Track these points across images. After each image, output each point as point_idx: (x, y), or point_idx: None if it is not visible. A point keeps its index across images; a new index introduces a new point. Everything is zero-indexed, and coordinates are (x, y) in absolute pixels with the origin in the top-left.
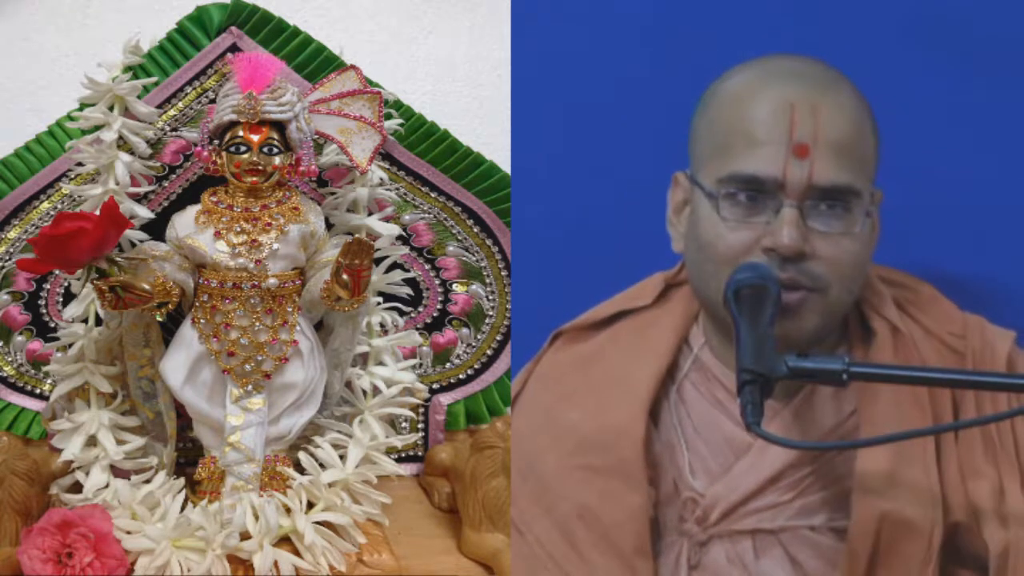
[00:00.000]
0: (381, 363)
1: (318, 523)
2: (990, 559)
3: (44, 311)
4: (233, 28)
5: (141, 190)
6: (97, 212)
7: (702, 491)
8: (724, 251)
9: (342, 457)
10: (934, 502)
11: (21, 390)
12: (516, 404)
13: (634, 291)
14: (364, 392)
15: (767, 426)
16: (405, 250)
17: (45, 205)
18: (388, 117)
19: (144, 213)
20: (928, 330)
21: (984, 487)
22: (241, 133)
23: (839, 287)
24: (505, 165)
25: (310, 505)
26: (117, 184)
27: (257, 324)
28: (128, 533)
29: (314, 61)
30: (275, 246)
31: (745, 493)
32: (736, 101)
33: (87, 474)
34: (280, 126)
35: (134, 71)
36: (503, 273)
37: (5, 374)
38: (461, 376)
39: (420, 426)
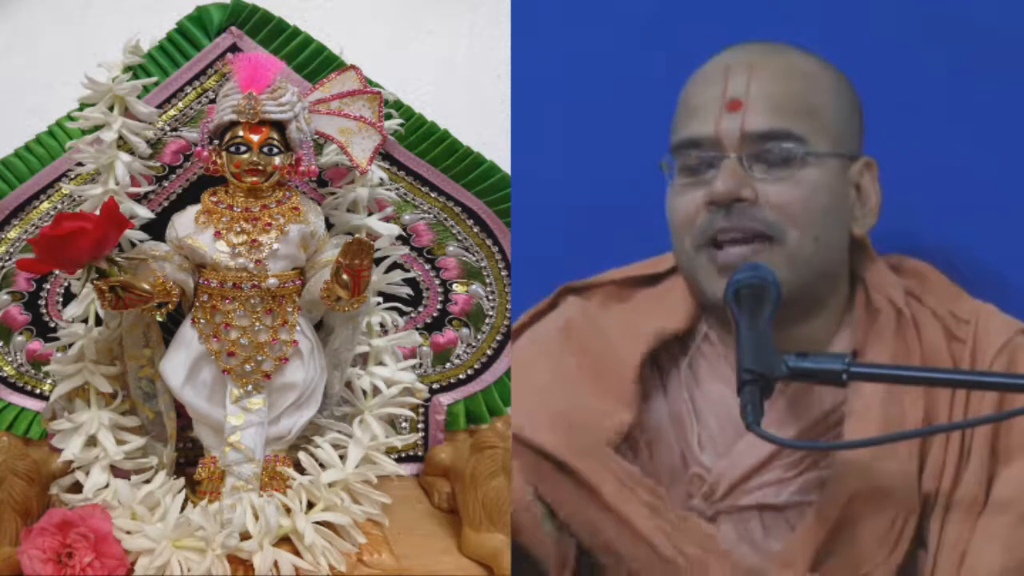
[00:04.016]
0: (381, 363)
1: (318, 523)
2: (929, 539)
3: (44, 311)
4: (233, 28)
5: (141, 190)
6: (97, 212)
7: (709, 466)
8: (678, 217)
9: (342, 457)
10: (910, 486)
11: (21, 390)
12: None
13: (649, 262)
14: (364, 392)
15: (770, 405)
16: (405, 250)
17: (45, 205)
18: (388, 117)
19: (144, 213)
20: (935, 313)
21: (947, 473)
22: (241, 133)
23: (797, 233)
24: (505, 165)
25: (310, 505)
26: (117, 184)
27: (257, 324)
28: (128, 533)
29: (314, 61)
30: (275, 246)
31: (749, 468)
32: (691, 80)
33: (87, 474)
34: (280, 126)
35: (134, 71)
36: (503, 273)
37: (5, 374)
38: (461, 376)
39: (420, 426)
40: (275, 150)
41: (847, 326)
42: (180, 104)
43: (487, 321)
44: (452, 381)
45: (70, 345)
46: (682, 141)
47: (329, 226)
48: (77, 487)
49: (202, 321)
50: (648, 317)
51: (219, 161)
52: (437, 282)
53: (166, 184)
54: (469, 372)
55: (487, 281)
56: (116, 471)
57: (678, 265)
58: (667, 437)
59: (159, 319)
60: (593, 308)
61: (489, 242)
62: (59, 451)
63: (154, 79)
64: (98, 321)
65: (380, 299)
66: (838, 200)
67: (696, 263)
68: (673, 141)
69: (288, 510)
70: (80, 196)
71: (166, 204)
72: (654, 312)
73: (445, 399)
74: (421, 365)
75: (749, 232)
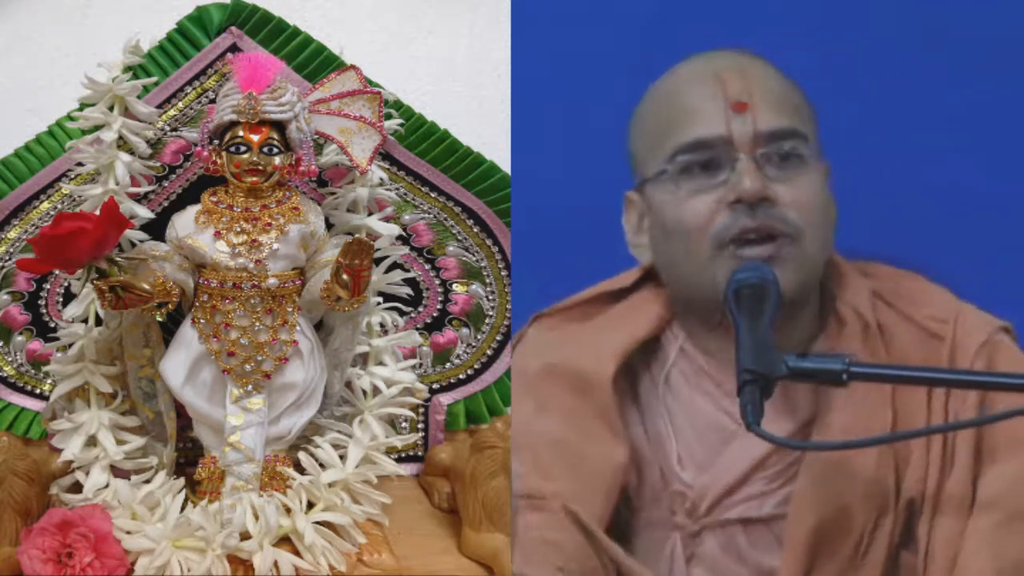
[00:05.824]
0: (381, 363)
1: (318, 523)
2: (919, 543)
3: (44, 311)
4: (233, 28)
5: (141, 190)
6: (97, 212)
7: (690, 482)
8: (692, 220)
9: (342, 457)
10: (873, 492)
11: (21, 390)
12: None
13: (615, 278)
14: (364, 392)
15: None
16: (405, 250)
17: (45, 205)
18: (388, 117)
19: (144, 213)
20: (907, 316)
21: (932, 475)
22: (241, 133)
23: (810, 235)
24: (505, 165)
25: (310, 505)
26: (117, 184)
27: (257, 324)
28: (128, 533)
29: (314, 61)
30: (275, 246)
31: (732, 481)
32: (667, 92)
33: (87, 474)
34: (280, 126)
35: (134, 71)
36: (503, 273)
37: (5, 374)
38: (461, 376)
39: (420, 426)
40: (275, 150)
41: (820, 334)
42: (180, 104)
43: (487, 321)
44: (452, 381)
45: (70, 345)
46: (688, 144)
47: (329, 226)
48: (77, 487)
49: (202, 321)
50: (618, 332)
51: (219, 161)
52: (437, 282)
53: (166, 184)
54: (469, 372)
55: (487, 281)
56: (116, 471)
57: (675, 278)
58: (646, 456)
59: (159, 319)
60: (563, 331)
61: (489, 242)
62: (59, 451)
63: (154, 79)
64: (98, 321)
65: (380, 299)
66: (828, 202)
67: (716, 265)
68: (672, 146)
69: (288, 510)
70: (80, 196)
71: (166, 204)
72: (624, 327)
73: (445, 399)
74: (421, 365)
75: (773, 232)
